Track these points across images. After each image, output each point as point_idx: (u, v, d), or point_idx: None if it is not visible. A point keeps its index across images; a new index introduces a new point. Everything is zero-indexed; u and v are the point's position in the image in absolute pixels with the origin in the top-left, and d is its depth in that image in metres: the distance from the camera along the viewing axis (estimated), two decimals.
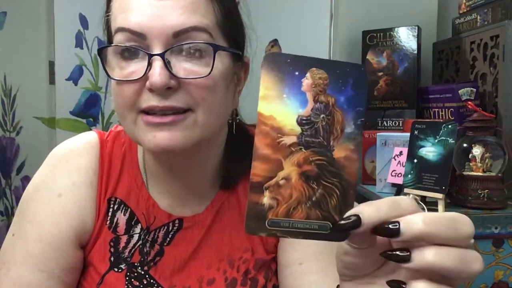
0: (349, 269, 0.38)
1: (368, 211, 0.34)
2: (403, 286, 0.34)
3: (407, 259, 0.33)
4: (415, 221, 0.32)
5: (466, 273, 0.33)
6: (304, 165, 0.36)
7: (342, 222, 0.34)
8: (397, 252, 0.33)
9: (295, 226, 0.35)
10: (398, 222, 0.33)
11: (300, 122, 0.35)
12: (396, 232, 0.33)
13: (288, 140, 0.35)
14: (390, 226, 0.33)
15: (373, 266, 0.37)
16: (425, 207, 0.37)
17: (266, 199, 0.35)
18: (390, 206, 0.34)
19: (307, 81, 0.35)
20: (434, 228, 0.32)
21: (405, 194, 1.00)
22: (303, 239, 0.36)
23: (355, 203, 0.37)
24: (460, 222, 0.33)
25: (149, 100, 0.54)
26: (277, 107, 0.35)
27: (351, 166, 0.36)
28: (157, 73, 0.52)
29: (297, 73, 0.35)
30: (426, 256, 0.32)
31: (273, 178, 0.35)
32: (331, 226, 0.36)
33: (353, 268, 0.38)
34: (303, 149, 0.36)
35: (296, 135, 0.35)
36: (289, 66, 0.35)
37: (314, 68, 0.35)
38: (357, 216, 0.34)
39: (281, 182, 0.35)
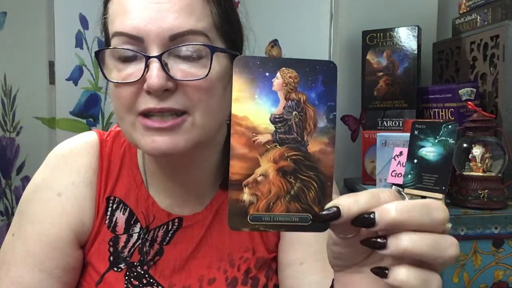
0: (339, 259, 0.40)
1: (347, 203, 0.35)
2: (386, 271, 0.35)
3: (383, 246, 0.34)
4: (388, 210, 0.34)
5: (441, 258, 0.34)
6: (280, 161, 0.37)
7: (322, 213, 0.36)
8: (374, 239, 0.35)
9: (276, 220, 0.37)
10: (374, 212, 0.34)
11: (273, 121, 0.37)
12: (371, 222, 0.34)
13: (263, 138, 0.37)
14: (366, 216, 0.34)
15: (361, 255, 0.39)
16: (407, 197, 0.38)
17: (246, 196, 0.36)
18: (369, 197, 0.35)
19: (277, 81, 0.37)
20: (407, 215, 0.33)
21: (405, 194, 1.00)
22: (285, 231, 0.39)
23: (336, 195, 0.38)
24: (433, 208, 0.34)
25: (147, 103, 0.54)
26: (250, 107, 0.36)
27: (326, 159, 0.37)
28: (154, 75, 0.52)
29: (267, 73, 0.37)
30: (400, 242, 0.34)
31: (251, 175, 0.36)
32: (311, 217, 0.37)
33: (343, 258, 0.39)
34: (278, 146, 0.37)
35: (270, 133, 0.37)
36: (259, 68, 0.36)
37: (284, 68, 0.37)
38: (337, 207, 0.35)
39: (259, 178, 0.37)
